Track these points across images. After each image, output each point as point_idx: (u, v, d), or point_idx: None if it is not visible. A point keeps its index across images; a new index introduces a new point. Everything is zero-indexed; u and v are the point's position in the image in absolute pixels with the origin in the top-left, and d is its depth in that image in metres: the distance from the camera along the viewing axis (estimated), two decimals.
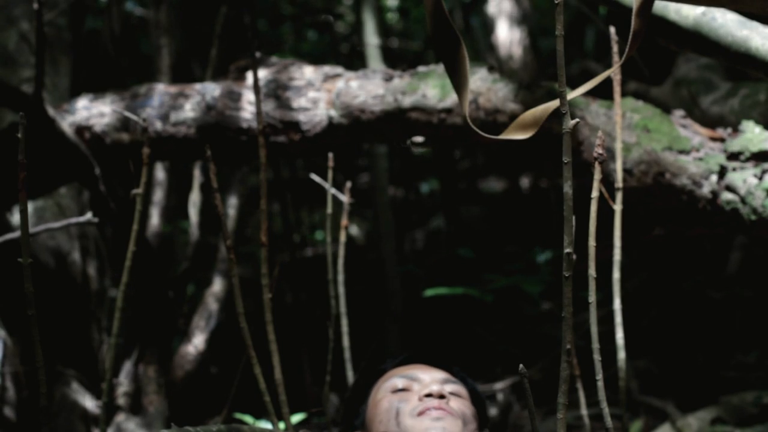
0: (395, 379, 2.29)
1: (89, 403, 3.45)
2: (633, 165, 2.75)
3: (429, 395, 2.19)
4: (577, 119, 1.35)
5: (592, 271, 2.01)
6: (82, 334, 3.61)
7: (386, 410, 2.21)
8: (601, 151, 1.94)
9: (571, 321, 1.36)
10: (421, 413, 2.16)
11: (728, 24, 2.24)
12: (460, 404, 2.22)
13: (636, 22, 1.57)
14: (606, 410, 1.82)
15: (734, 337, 4.74)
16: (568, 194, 1.35)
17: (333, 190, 2.77)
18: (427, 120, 3.02)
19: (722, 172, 2.66)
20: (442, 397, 2.19)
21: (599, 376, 1.83)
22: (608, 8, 2.48)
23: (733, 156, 2.67)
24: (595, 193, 1.96)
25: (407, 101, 3.03)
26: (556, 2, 1.25)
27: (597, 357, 1.84)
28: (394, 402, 2.21)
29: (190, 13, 5.11)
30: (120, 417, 3.56)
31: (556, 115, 1.97)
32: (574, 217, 1.48)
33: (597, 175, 1.96)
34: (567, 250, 1.38)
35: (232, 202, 4.57)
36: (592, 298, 1.83)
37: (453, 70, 1.80)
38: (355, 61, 5.58)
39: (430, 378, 2.29)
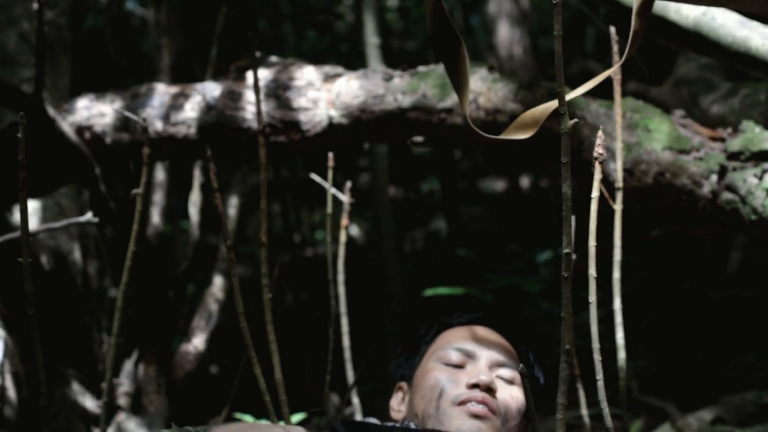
0: (452, 350, 2.17)
1: (89, 403, 3.45)
2: (633, 165, 2.75)
3: (476, 386, 2.09)
4: (576, 119, 1.35)
5: (592, 271, 2.02)
6: (82, 334, 3.61)
7: (432, 387, 2.11)
8: (601, 151, 1.94)
9: (570, 321, 1.36)
10: (462, 403, 2.08)
11: (728, 24, 2.24)
12: (508, 395, 2.12)
13: (636, 22, 1.57)
14: (606, 410, 1.82)
15: (734, 337, 4.74)
16: (567, 194, 1.35)
17: (333, 190, 2.77)
18: (427, 120, 3.02)
19: (722, 172, 2.66)
20: (489, 389, 2.09)
21: (599, 376, 1.83)
22: (608, 8, 2.48)
23: (733, 156, 2.67)
24: (595, 193, 1.96)
25: (407, 101, 3.03)
26: (554, 2, 1.25)
27: (597, 357, 1.84)
28: (441, 379, 2.12)
29: (190, 13, 5.11)
30: (120, 417, 3.56)
31: (556, 115, 1.96)
32: (573, 217, 1.48)
33: (597, 175, 1.97)
34: (566, 251, 1.38)
35: (233, 202, 4.56)
36: (593, 298, 1.83)
37: (453, 69, 1.80)
38: (355, 61, 5.58)
39: (486, 358, 2.15)
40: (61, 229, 3.37)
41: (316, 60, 3.53)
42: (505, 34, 6.54)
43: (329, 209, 2.73)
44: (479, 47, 7.13)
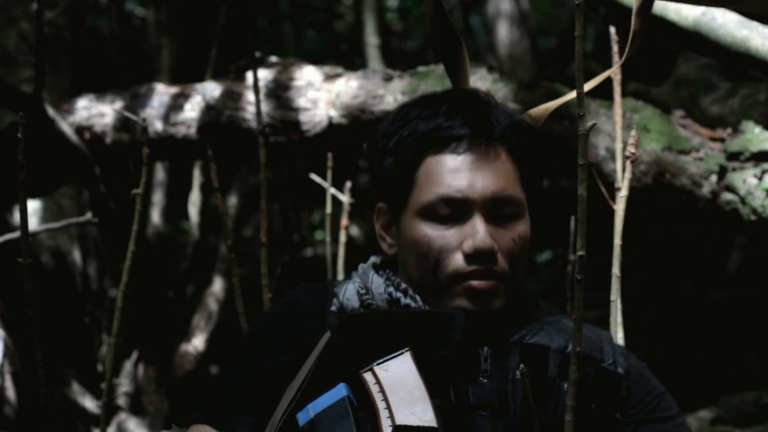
0: (438, 201, 1.74)
1: (89, 403, 3.45)
2: (633, 165, 2.75)
3: (475, 254, 1.72)
4: (594, 122, 1.33)
5: (616, 270, 2.02)
6: (82, 334, 3.61)
7: (424, 255, 1.74)
8: (633, 150, 1.96)
9: (581, 324, 1.34)
10: (464, 276, 1.72)
11: (728, 24, 2.24)
12: (510, 242, 1.75)
13: (636, 22, 1.57)
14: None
15: (734, 337, 4.74)
16: (583, 196, 1.31)
17: (333, 190, 2.76)
18: None
19: (722, 172, 2.66)
20: (491, 254, 1.72)
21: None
22: (608, 8, 2.48)
23: (733, 156, 2.67)
24: (624, 192, 1.98)
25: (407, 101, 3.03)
26: (577, 3, 1.23)
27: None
28: (433, 246, 1.73)
29: (190, 13, 5.11)
30: (120, 417, 3.56)
31: (556, 115, 1.96)
32: (570, 218, 1.48)
33: (628, 174, 1.98)
34: (580, 253, 1.33)
35: (232, 202, 4.57)
36: (615, 296, 1.82)
37: (453, 70, 1.80)
38: (355, 61, 5.58)
39: (481, 203, 1.73)
40: (61, 229, 3.38)
41: (316, 60, 3.54)
42: (505, 34, 6.53)
43: (329, 209, 2.73)
44: (479, 47, 7.12)
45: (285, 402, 1.67)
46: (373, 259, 1.85)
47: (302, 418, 1.60)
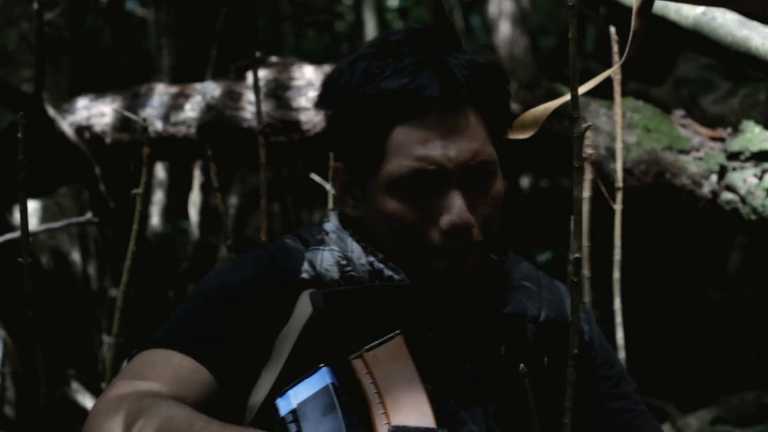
0: (409, 174, 1.61)
1: (89, 403, 3.45)
2: (633, 165, 2.75)
3: (453, 230, 1.62)
4: (589, 123, 1.32)
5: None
6: (82, 334, 3.62)
7: (398, 230, 1.64)
8: (591, 151, 1.95)
9: (578, 326, 1.33)
10: (441, 254, 1.63)
11: (728, 24, 2.24)
12: (486, 209, 1.66)
13: (636, 22, 1.57)
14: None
15: (734, 337, 4.74)
16: (579, 199, 1.30)
17: (333, 191, 2.77)
18: None
19: (722, 172, 2.67)
20: (468, 228, 1.63)
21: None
22: (608, 8, 2.48)
23: (733, 156, 2.67)
24: (585, 194, 1.97)
25: None
26: (570, 4, 1.23)
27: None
28: (407, 220, 1.63)
29: (190, 13, 5.11)
30: None
31: (556, 115, 1.96)
32: (570, 218, 1.47)
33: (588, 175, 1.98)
34: (576, 255, 1.32)
35: (232, 202, 4.57)
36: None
37: None
38: None
39: (456, 168, 1.61)
40: (61, 229, 3.38)
41: (316, 60, 3.53)
42: (505, 34, 6.54)
43: (329, 209, 2.73)
44: None
45: (264, 384, 1.56)
46: (336, 218, 1.72)
47: (283, 406, 1.47)
